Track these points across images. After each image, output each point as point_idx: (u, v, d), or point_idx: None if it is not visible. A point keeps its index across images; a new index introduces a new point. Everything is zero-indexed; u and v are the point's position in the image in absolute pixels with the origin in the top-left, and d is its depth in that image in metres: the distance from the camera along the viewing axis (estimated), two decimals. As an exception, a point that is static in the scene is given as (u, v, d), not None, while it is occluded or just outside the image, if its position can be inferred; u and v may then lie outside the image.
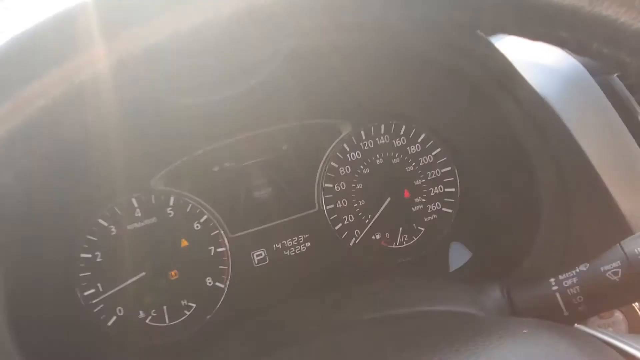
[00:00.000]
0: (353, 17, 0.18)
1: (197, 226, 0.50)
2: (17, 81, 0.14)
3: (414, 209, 0.54)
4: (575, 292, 0.32)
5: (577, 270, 0.33)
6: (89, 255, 0.48)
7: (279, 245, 0.53)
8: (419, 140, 0.54)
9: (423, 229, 0.55)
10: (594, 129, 0.45)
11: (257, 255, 0.52)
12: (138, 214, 0.49)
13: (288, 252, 0.53)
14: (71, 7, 0.14)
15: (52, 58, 0.14)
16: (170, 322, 0.49)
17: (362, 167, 0.54)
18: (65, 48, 0.14)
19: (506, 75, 0.42)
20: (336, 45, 0.42)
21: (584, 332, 0.28)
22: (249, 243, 0.53)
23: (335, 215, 0.54)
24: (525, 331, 0.27)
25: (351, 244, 0.54)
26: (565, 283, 0.33)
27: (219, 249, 0.51)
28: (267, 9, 0.15)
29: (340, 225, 0.54)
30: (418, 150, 0.54)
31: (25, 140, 0.15)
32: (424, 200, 0.54)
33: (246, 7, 0.15)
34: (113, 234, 0.49)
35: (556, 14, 0.16)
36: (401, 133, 0.54)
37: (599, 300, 0.32)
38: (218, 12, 0.15)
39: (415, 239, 0.55)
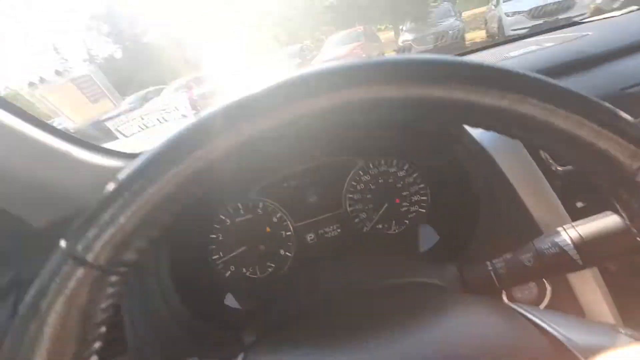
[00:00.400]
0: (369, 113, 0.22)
1: (275, 219, 0.68)
2: (185, 152, 0.21)
3: (402, 209, 0.69)
4: (503, 272, 0.40)
5: (504, 257, 0.40)
6: (215, 236, 0.66)
7: (322, 231, 0.69)
8: (404, 168, 0.69)
9: (407, 222, 0.69)
10: (512, 162, 0.55)
11: (309, 237, 0.69)
12: (242, 212, 0.67)
13: (327, 235, 0.69)
14: (209, 114, 0.22)
15: (203, 141, 0.21)
16: (260, 275, 0.67)
17: (370, 184, 0.69)
18: (207, 137, 0.21)
19: (457, 130, 0.57)
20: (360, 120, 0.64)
21: (510, 307, 0.33)
22: (305, 229, 0.69)
23: (355, 213, 0.69)
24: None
25: (364, 231, 0.69)
26: (496, 265, 0.40)
27: (288, 233, 0.68)
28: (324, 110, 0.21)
29: (357, 219, 0.69)
30: (404, 174, 0.69)
31: (185, 186, 0.21)
32: (407, 204, 0.69)
33: (309, 110, 0.21)
34: (228, 224, 0.66)
35: (487, 112, 0.20)
36: (393, 164, 0.69)
37: (518, 277, 0.39)
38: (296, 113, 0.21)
39: (403, 228, 0.69)
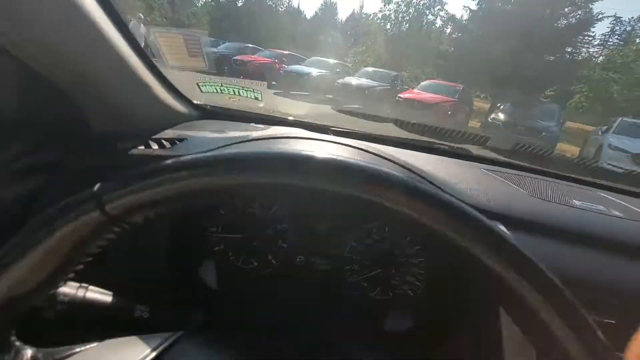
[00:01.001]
0: None
1: (279, 227, 0.71)
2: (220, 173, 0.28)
3: (392, 282, 0.70)
4: None
5: None
6: (222, 212, 0.70)
7: (314, 259, 0.72)
8: (415, 249, 0.70)
9: (391, 294, 0.71)
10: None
11: (299, 258, 0.72)
12: (254, 207, 0.71)
13: (315, 265, 0.71)
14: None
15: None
16: (241, 265, 0.72)
17: (377, 244, 0.71)
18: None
19: None
20: None
21: None
22: (299, 249, 0.72)
23: (349, 262, 0.71)
24: None
25: (349, 281, 0.71)
26: None
27: (283, 244, 0.71)
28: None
29: (349, 267, 0.72)
30: (413, 257, 0.70)
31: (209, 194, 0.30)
32: (399, 282, 0.70)
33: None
34: (237, 210, 0.70)
35: None
36: (407, 241, 0.70)
37: None
38: None
39: (384, 298, 0.71)
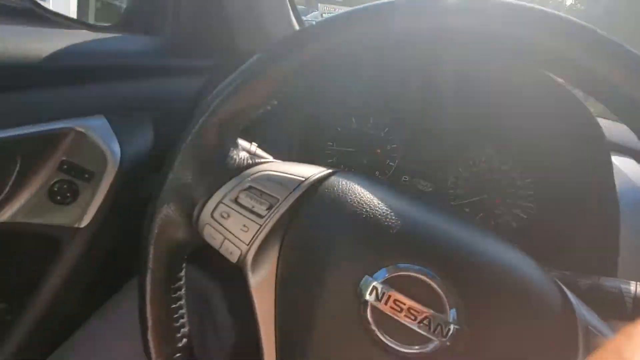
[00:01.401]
0: None
1: (388, 147, 0.75)
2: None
3: (496, 211, 0.70)
4: None
5: (563, 272, 0.38)
6: (338, 129, 0.76)
7: (417, 180, 0.75)
8: (527, 181, 0.69)
9: (493, 223, 0.70)
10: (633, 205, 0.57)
11: (404, 178, 0.75)
12: (368, 126, 0.76)
13: (419, 185, 0.74)
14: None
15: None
16: None
17: (484, 172, 0.71)
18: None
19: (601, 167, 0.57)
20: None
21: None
22: (405, 169, 0.75)
23: (453, 186, 0.73)
24: None
25: (450, 204, 0.73)
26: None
27: (390, 163, 0.75)
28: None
29: (452, 191, 0.73)
30: (522, 190, 0.70)
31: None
32: (503, 212, 0.70)
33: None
34: (352, 126, 0.76)
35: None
36: (518, 173, 0.70)
37: None
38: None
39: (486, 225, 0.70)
